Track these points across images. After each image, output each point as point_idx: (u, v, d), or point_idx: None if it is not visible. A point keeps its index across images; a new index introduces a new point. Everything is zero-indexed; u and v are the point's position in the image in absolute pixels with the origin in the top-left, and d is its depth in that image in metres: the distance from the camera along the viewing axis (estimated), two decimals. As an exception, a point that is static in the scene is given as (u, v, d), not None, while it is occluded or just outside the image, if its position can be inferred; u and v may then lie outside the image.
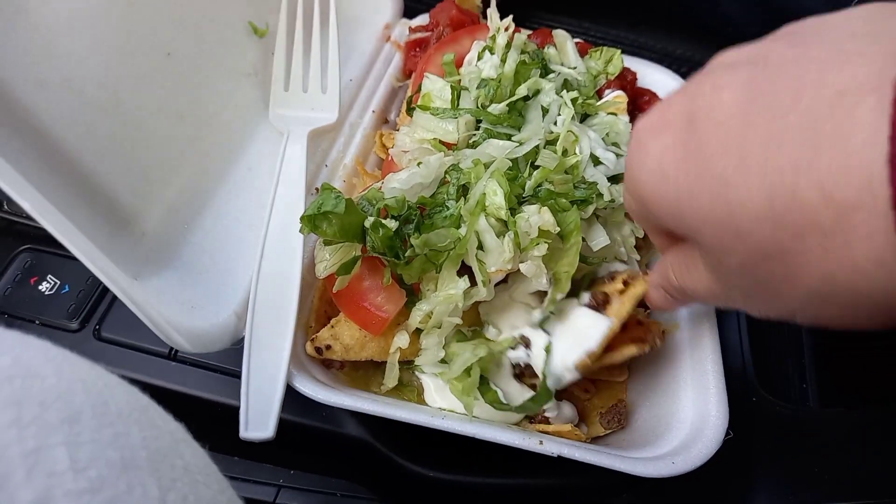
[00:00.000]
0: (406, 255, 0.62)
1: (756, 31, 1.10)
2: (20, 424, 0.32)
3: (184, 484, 0.38)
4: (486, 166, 0.66)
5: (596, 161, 0.73)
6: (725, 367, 0.67)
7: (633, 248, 0.74)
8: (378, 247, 0.62)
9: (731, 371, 0.71)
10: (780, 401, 0.71)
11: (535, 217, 0.63)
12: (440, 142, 0.73)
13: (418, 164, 0.67)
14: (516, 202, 0.66)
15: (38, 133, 0.59)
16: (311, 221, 0.61)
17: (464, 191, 0.67)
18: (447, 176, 0.67)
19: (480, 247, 0.63)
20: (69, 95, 0.62)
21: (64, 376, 0.36)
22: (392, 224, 0.62)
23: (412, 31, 0.93)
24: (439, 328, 0.64)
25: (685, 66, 1.10)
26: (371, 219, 0.62)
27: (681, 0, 0.98)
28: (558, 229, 0.63)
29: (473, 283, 0.63)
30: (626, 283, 0.64)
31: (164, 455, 0.38)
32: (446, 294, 0.62)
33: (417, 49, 0.90)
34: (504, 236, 0.62)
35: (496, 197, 0.64)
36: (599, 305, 0.64)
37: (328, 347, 0.65)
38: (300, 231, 0.61)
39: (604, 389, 0.71)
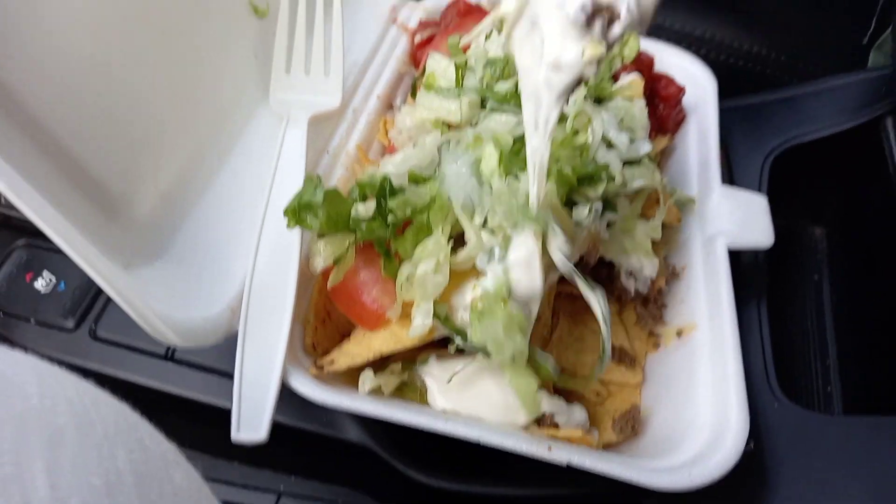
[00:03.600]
0: (389, 222, 0.58)
1: (779, 7, 1.05)
2: None
3: None
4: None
5: (609, 144, 0.69)
6: (746, 370, 0.63)
7: (649, 252, 0.70)
8: (364, 232, 0.58)
9: (751, 375, 0.67)
10: (803, 407, 0.67)
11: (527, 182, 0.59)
12: (442, 122, 0.70)
13: (414, 144, 0.63)
14: (515, 172, 0.62)
15: (20, 113, 0.55)
16: (295, 214, 0.58)
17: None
18: (440, 154, 0.63)
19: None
20: (55, 74, 0.58)
21: (48, 394, 0.34)
22: (369, 208, 0.58)
23: (420, 26, 0.90)
24: (425, 293, 0.58)
25: (705, 48, 1.05)
26: (356, 207, 0.58)
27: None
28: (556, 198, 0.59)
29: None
30: None
31: (153, 479, 0.36)
32: (421, 246, 0.57)
33: (425, 47, 0.86)
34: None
35: (491, 160, 0.60)
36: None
37: (331, 362, 0.61)
38: (287, 226, 0.58)
39: (617, 393, 0.68)
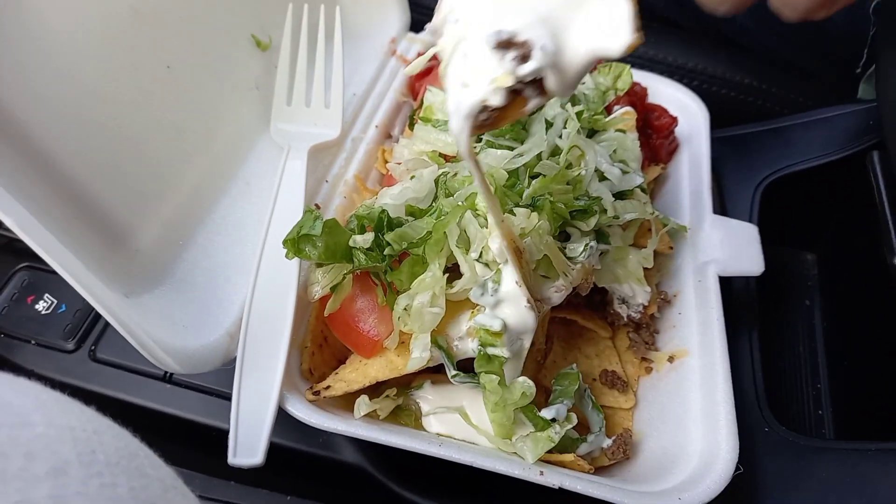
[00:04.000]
0: (386, 254, 0.60)
1: (771, 42, 1.08)
2: (4, 478, 0.31)
3: None
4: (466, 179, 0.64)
5: (601, 177, 0.71)
6: (736, 393, 0.64)
7: (641, 280, 0.72)
8: (362, 262, 0.60)
9: (742, 399, 0.68)
10: (793, 432, 0.68)
11: (521, 218, 0.61)
12: (439, 154, 0.71)
13: (411, 177, 0.65)
14: (510, 207, 0.63)
15: (31, 147, 0.57)
16: (294, 245, 0.59)
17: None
18: (437, 186, 0.65)
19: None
20: (65, 110, 0.61)
21: (53, 423, 0.35)
22: (367, 239, 0.59)
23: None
24: (422, 325, 0.59)
25: (697, 80, 1.08)
26: (353, 238, 0.60)
27: (692, 10, 0.96)
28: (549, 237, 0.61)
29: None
30: None
31: None
32: (419, 280, 0.59)
33: (423, 79, 0.88)
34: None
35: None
36: None
37: (327, 388, 0.62)
38: (286, 256, 0.60)
39: (609, 417, 0.69)
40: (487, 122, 0.48)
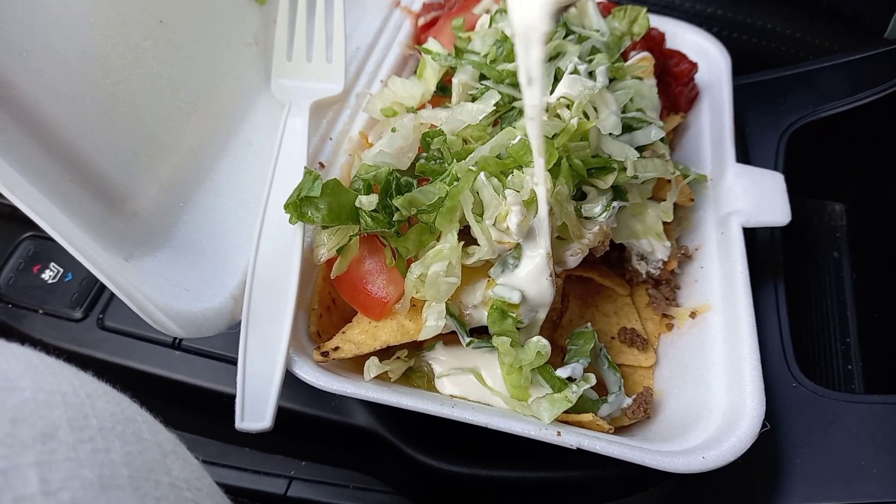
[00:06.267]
0: (395, 220, 0.57)
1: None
2: None
3: (170, 502, 0.35)
4: (465, 140, 0.63)
5: (627, 127, 0.68)
6: (762, 349, 0.61)
7: (660, 235, 0.69)
8: (369, 224, 0.57)
9: (768, 354, 0.66)
10: (822, 387, 0.65)
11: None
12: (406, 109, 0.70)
13: (392, 129, 0.64)
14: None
15: (19, 107, 0.55)
16: (297, 209, 0.57)
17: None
18: (428, 141, 0.63)
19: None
20: (53, 66, 0.58)
21: (43, 388, 0.34)
22: (371, 201, 0.57)
23: (424, 8, 0.88)
24: (437, 294, 0.58)
25: (717, 26, 1.02)
26: (359, 198, 0.57)
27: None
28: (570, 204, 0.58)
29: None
30: None
31: (149, 471, 0.35)
32: (435, 250, 0.57)
33: (429, 30, 0.85)
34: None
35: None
36: None
37: (336, 349, 0.60)
38: (289, 221, 0.57)
39: (629, 375, 0.66)
40: None
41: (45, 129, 0.56)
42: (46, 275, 0.78)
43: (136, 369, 0.73)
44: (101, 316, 0.76)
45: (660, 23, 0.89)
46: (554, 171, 0.60)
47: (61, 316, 0.76)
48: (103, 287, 0.77)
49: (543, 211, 0.55)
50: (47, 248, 0.80)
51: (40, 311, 0.76)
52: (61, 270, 0.79)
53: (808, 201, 0.95)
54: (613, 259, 0.74)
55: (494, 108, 0.65)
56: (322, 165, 0.72)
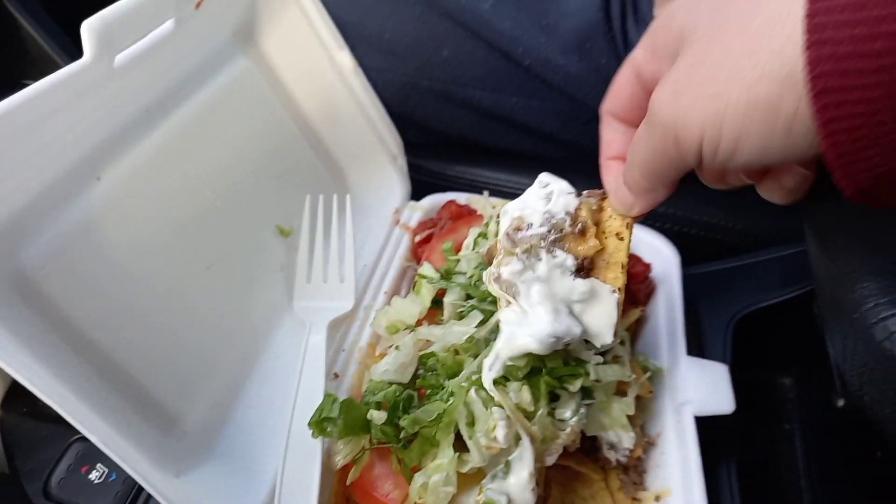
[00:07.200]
0: (401, 437, 0.69)
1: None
2: None
3: None
4: (455, 351, 0.75)
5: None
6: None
7: (625, 426, 0.80)
8: (380, 436, 0.70)
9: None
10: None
11: (513, 394, 0.70)
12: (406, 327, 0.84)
13: (396, 347, 0.76)
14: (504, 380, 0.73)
15: (99, 359, 0.69)
16: (318, 426, 0.70)
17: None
18: (423, 361, 0.76)
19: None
20: (120, 312, 0.72)
21: None
22: (382, 416, 0.69)
23: (420, 226, 1.06)
24: (437, 501, 0.68)
25: (669, 222, 1.19)
26: (371, 413, 0.70)
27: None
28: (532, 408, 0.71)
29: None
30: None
31: None
32: (436, 464, 0.68)
33: (425, 245, 1.02)
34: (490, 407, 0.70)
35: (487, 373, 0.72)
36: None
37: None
38: (312, 436, 0.70)
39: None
40: None
41: (116, 373, 0.70)
42: (93, 475, 0.89)
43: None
44: (141, 513, 0.85)
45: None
46: (534, 385, 0.73)
47: (104, 515, 0.85)
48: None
49: (527, 444, 0.68)
50: (95, 450, 0.89)
51: (86, 510, 0.86)
52: (106, 471, 0.89)
53: (760, 376, 1.08)
54: (587, 447, 0.86)
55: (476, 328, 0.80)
56: (336, 376, 0.85)
